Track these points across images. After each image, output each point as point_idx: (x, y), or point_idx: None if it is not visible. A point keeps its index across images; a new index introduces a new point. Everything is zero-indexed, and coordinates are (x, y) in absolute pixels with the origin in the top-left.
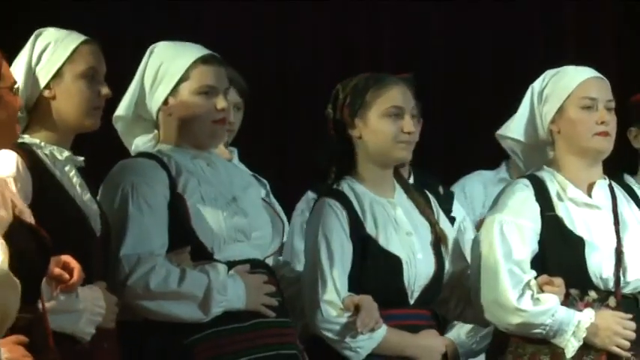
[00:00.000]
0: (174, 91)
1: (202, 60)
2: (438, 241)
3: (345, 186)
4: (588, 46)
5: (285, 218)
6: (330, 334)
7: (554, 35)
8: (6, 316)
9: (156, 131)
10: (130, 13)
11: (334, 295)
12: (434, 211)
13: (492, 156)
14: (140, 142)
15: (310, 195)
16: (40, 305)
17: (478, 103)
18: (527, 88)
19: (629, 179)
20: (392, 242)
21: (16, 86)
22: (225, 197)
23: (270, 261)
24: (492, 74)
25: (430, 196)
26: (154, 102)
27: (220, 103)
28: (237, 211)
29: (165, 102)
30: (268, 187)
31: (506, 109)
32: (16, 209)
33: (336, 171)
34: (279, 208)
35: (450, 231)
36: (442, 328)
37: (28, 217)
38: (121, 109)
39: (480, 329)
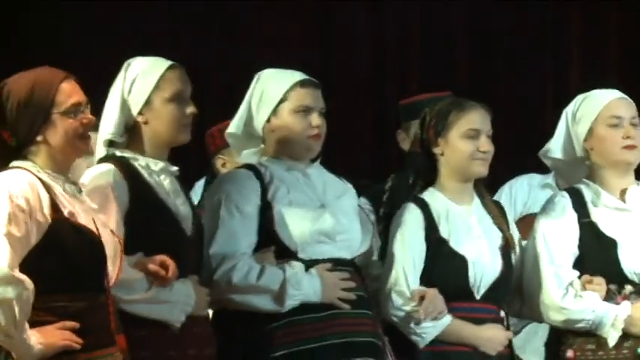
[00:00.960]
0: (275, 111)
1: (300, 84)
2: (508, 246)
3: (427, 194)
4: (593, 53)
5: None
6: (396, 320)
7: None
8: (15, 308)
9: (262, 145)
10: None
11: (404, 286)
12: (507, 222)
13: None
14: (246, 154)
15: (363, 201)
16: (102, 295)
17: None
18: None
19: None
20: (461, 244)
21: (77, 107)
22: (314, 203)
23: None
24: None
25: (505, 208)
26: (259, 121)
27: (315, 120)
28: (324, 216)
29: (268, 120)
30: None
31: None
32: (65, 211)
33: (421, 182)
34: None
35: (519, 241)
36: (507, 323)
37: (83, 219)
38: (232, 128)
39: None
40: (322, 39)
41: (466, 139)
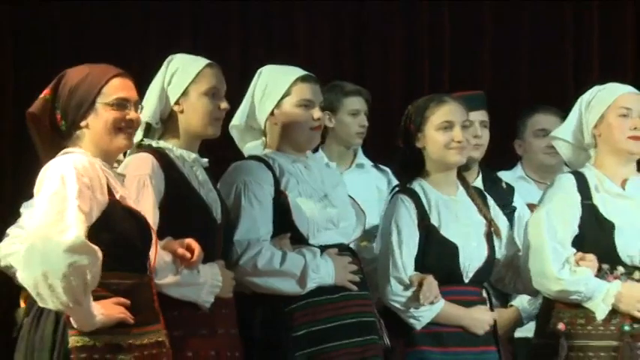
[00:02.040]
0: (278, 104)
1: (301, 79)
2: (491, 233)
3: (416, 185)
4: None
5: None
6: (397, 305)
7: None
8: (88, 276)
9: (263, 138)
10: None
11: (402, 272)
12: (489, 209)
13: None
14: (251, 147)
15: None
16: (146, 275)
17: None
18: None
19: None
20: (451, 231)
21: (123, 102)
22: (319, 194)
23: (353, 245)
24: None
25: (487, 195)
26: (262, 114)
27: (316, 113)
28: (328, 205)
29: (272, 113)
30: (390, 174)
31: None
32: (117, 195)
33: (408, 174)
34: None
35: (504, 224)
36: (491, 304)
37: (133, 203)
38: (236, 120)
39: (538, 298)
40: (356, 45)
41: (441, 130)
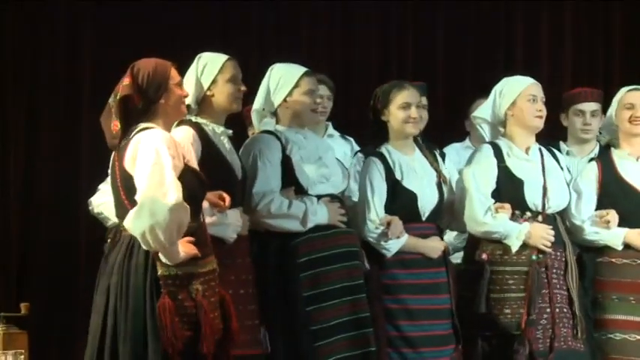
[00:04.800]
0: (290, 93)
1: (306, 74)
2: (441, 182)
3: (383, 149)
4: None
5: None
6: (371, 239)
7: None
8: (182, 227)
9: (274, 117)
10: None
11: (375, 215)
12: (439, 164)
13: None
14: (265, 123)
15: (359, 155)
16: (201, 218)
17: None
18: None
19: (563, 145)
20: (411, 183)
21: (181, 83)
22: (315, 156)
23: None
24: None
25: (437, 154)
26: (277, 100)
27: (318, 99)
28: (322, 165)
29: (285, 100)
30: (353, 142)
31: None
32: (185, 159)
33: (377, 141)
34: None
35: (449, 176)
36: (441, 236)
37: (193, 165)
38: (255, 105)
39: (462, 234)
40: (343, 44)
41: (401, 109)
